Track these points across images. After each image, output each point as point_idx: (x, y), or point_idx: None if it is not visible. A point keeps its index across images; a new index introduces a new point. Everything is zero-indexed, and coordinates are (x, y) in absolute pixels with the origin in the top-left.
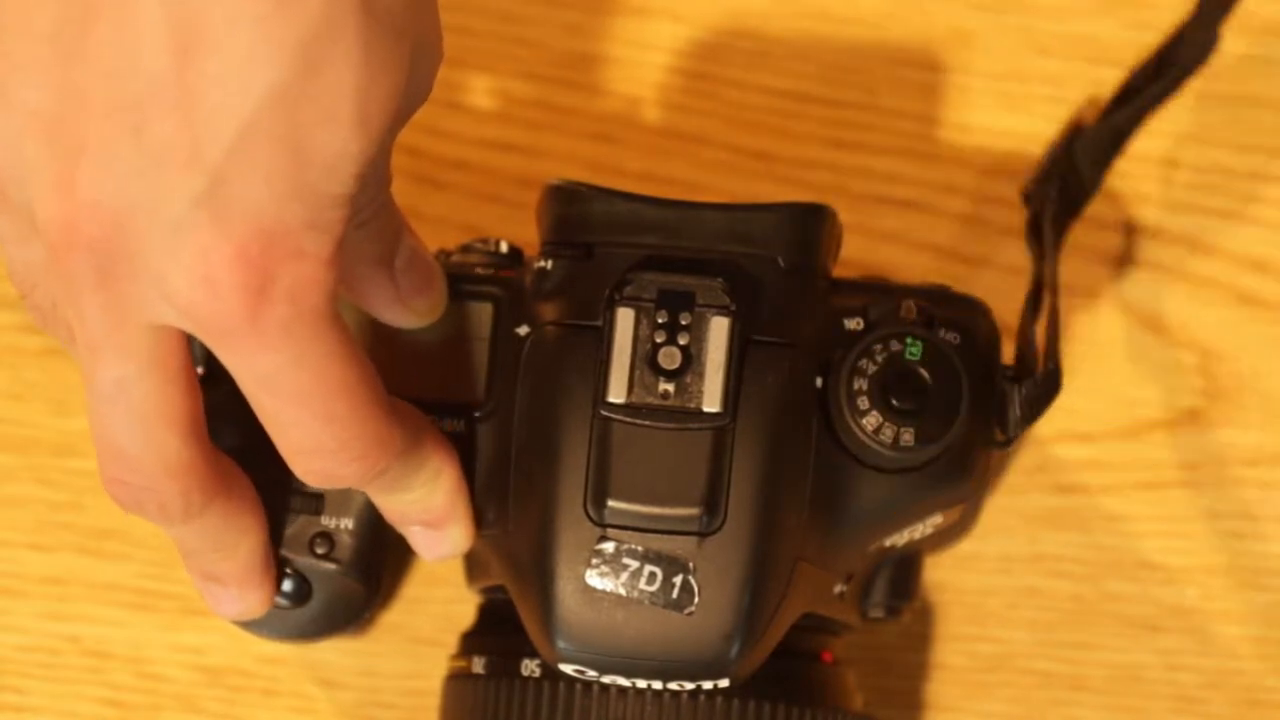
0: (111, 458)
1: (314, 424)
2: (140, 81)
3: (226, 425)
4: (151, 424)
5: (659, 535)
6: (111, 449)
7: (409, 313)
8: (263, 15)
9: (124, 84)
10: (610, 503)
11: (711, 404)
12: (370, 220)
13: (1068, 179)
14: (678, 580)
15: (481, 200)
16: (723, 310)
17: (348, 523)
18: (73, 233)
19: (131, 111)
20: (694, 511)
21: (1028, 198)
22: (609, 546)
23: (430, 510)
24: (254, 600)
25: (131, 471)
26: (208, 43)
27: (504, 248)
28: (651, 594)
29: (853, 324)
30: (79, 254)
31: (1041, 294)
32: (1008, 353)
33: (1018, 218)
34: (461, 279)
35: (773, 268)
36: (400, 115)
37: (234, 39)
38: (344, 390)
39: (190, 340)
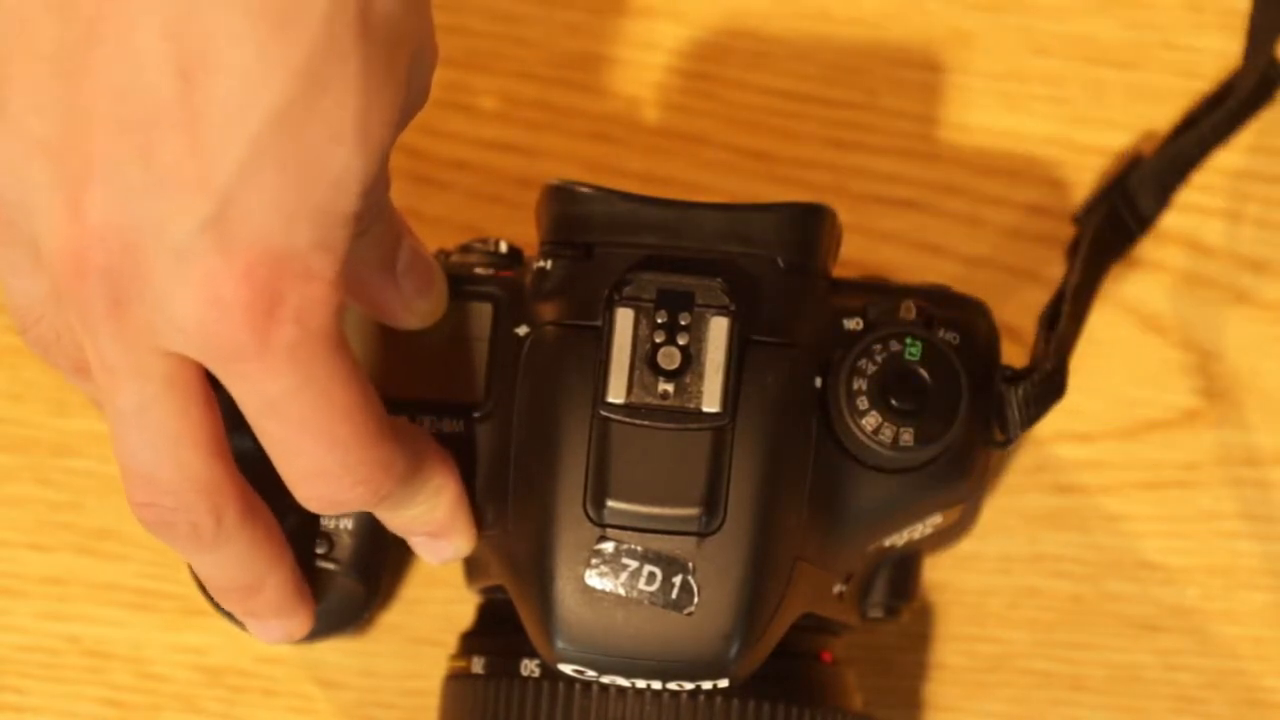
0: (139, 482)
1: (318, 449)
2: (145, 103)
3: (229, 430)
4: (176, 444)
5: (658, 535)
6: (137, 473)
7: (411, 315)
8: (263, 38)
9: (129, 105)
10: (610, 503)
11: (711, 404)
12: (371, 226)
13: (1119, 207)
14: (677, 580)
15: (481, 200)
16: (722, 310)
17: (347, 523)
18: (82, 260)
19: (137, 133)
20: (693, 511)
21: (1079, 222)
22: (608, 546)
23: (431, 524)
24: (294, 625)
25: (161, 493)
26: (211, 65)
27: (503, 248)
28: (651, 594)
29: (852, 324)
30: (90, 281)
31: (1061, 305)
32: (1007, 353)
33: (1018, 218)
34: (461, 279)
35: (772, 268)
36: (400, 125)
37: (237, 61)
38: (348, 415)
39: None
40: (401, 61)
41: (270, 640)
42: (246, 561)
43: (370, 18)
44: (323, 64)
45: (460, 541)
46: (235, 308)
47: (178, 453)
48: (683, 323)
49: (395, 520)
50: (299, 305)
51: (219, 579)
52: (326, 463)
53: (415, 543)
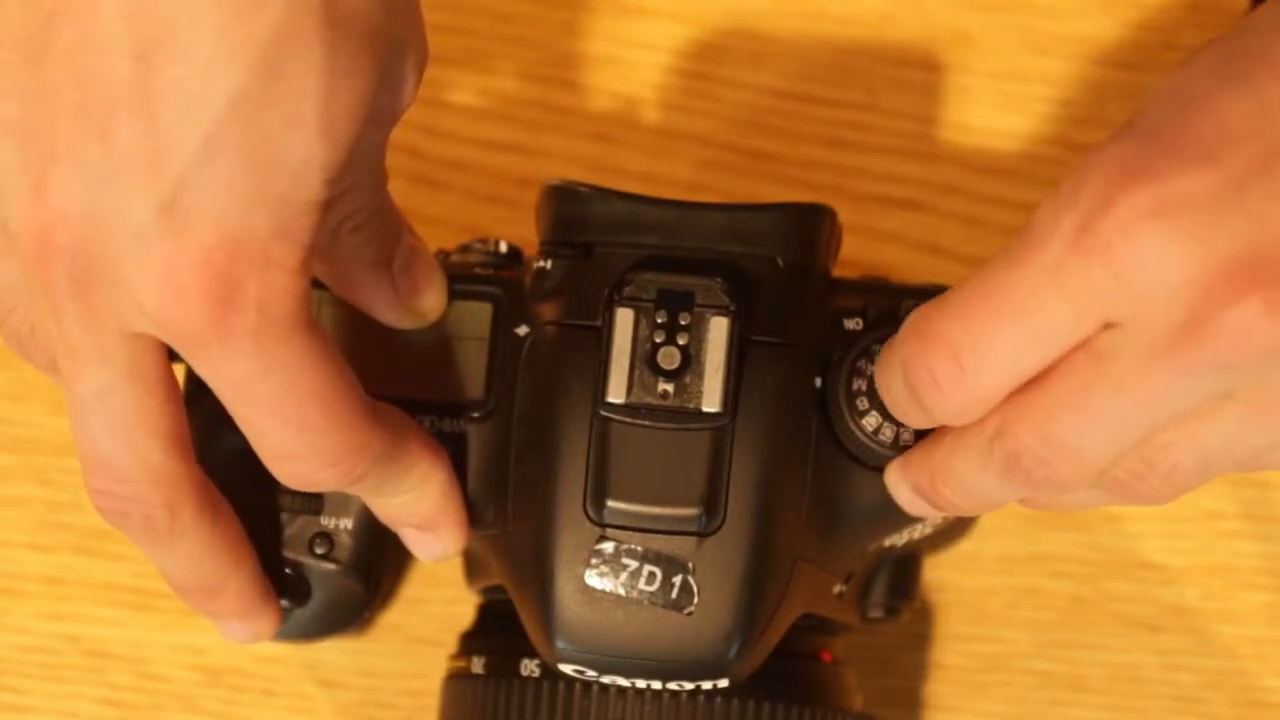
0: (95, 469)
1: (286, 431)
2: (104, 87)
3: (228, 426)
4: (133, 432)
5: (658, 535)
6: (95, 460)
7: (408, 313)
8: (223, 22)
9: (89, 89)
10: (610, 503)
11: (711, 404)
12: (365, 224)
13: None
14: (677, 580)
15: (481, 200)
16: (722, 310)
17: (347, 523)
18: (47, 241)
19: (97, 117)
20: (693, 512)
21: None
22: (608, 546)
23: (419, 514)
24: (260, 627)
25: (116, 481)
26: (169, 49)
27: (503, 248)
28: (651, 594)
29: (852, 324)
30: (55, 262)
31: None
32: None
33: (1018, 218)
34: (461, 279)
35: (772, 267)
36: (378, 119)
37: (195, 46)
38: (316, 398)
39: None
40: (373, 55)
41: (237, 641)
42: (205, 560)
43: (337, 9)
44: (284, 51)
45: (450, 536)
46: (192, 294)
47: (134, 441)
48: (683, 323)
49: (383, 508)
50: (259, 293)
51: (178, 576)
52: (296, 444)
53: (406, 536)
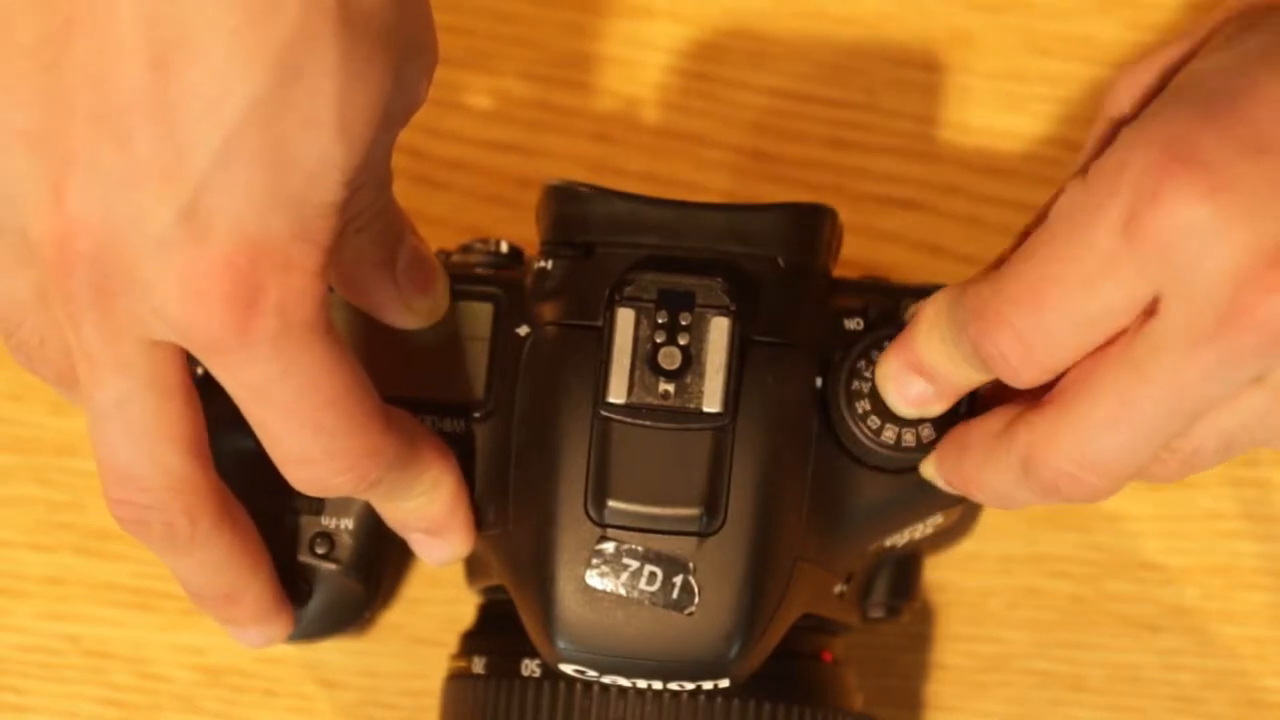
0: (114, 478)
1: (303, 435)
2: (122, 93)
3: (231, 429)
4: (152, 441)
5: (659, 535)
6: (114, 469)
7: (410, 314)
8: (238, 27)
9: (106, 95)
10: (610, 503)
11: (711, 404)
12: (370, 224)
13: None
14: (678, 580)
15: (481, 200)
16: (723, 310)
17: (348, 523)
18: (67, 248)
19: (115, 123)
20: (694, 512)
21: None
22: (609, 547)
23: (429, 519)
24: (274, 632)
25: (136, 490)
26: (185, 55)
27: (504, 248)
28: (651, 594)
29: (853, 324)
30: (75, 270)
31: None
32: None
33: (1018, 218)
34: (461, 279)
35: (773, 268)
36: (390, 120)
37: (211, 51)
38: (333, 402)
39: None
40: (387, 56)
41: (251, 647)
42: (223, 568)
43: (351, 11)
44: (299, 54)
45: (458, 540)
46: (214, 299)
47: (154, 449)
48: (683, 323)
49: (393, 513)
50: (280, 296)
51: (197, 584)
52: (312, 449)
53: (414, 540)
